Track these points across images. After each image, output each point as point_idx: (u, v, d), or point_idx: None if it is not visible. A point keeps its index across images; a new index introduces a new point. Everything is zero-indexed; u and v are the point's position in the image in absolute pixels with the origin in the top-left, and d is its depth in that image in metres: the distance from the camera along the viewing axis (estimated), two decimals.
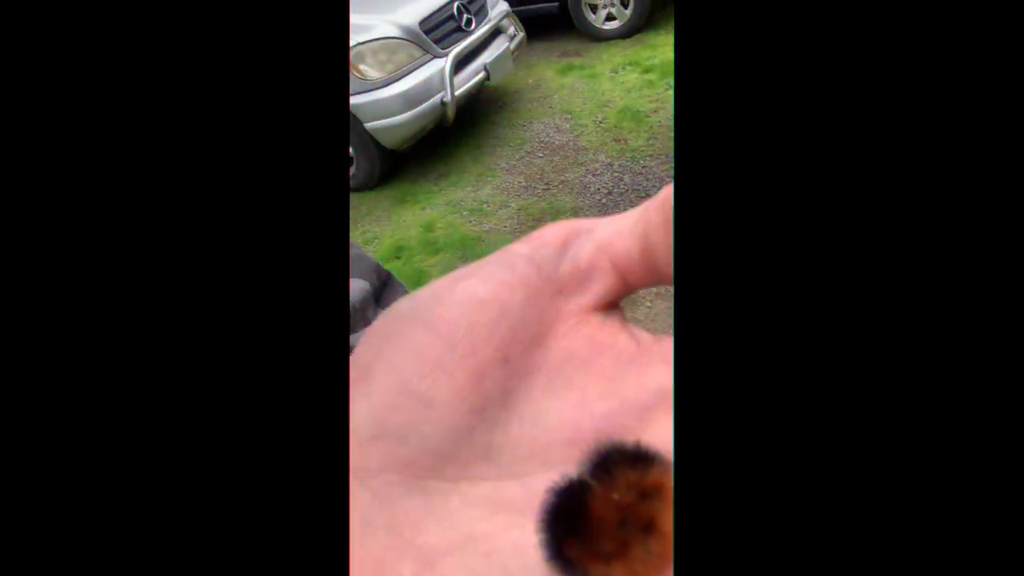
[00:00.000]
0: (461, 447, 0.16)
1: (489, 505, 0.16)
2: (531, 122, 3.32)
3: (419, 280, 2.39)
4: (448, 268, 2.53)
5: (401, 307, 0.17)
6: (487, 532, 0.15)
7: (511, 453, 0.16)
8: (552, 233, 0.18)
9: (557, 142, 3.11)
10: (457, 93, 2.92)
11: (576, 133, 3.15)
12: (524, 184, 2.89)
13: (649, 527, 0.15)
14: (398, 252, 2.58)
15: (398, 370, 0.16)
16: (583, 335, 0.17)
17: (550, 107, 3.40)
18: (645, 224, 0.17)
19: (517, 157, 3.09)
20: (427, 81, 2.85)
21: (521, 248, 0.18)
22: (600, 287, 0.17)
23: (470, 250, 2.58)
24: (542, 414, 0.16)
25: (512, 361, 0.16)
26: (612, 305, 0.18)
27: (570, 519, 0.15)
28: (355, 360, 0.16)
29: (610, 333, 0.17)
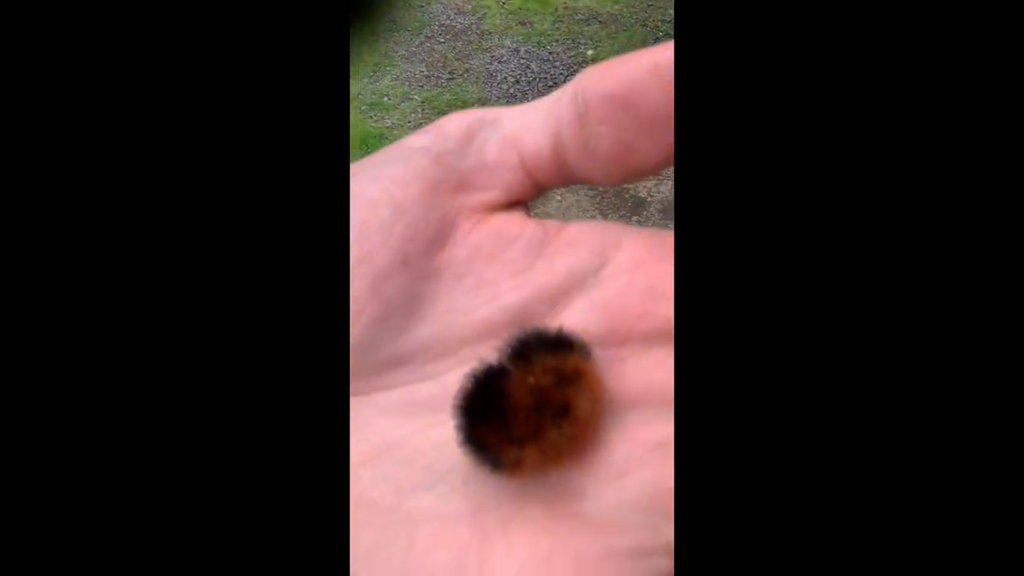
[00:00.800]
0: (365, 360, 0.15)
1: (404, 410, 0.15)
2: (429, 3, 3.09)
3: None
4: None
5: None
6: (404, 437, 0.15)
7: (423, 356, 0.16)
8: (454, 124, 0.17)
9: (459, 25, 2.92)
10: None
11: (479, 15, 2.97)
12: (426, 73, 2.73)
13: (564, 410, 0.15)
14: None
15: None
16: (488, 228, 0.16)
17: None
18: (556, 121, 0.16)
19: (416, 43, 2.89)
20: None
21: (418, 140, 0.16)
22: (506, 184, 0.16)
23: (373, 148, 2.44)
24: (452, 313, 0.16)
25: (413, 263, 0.15)
26: (517, 204, 0.17)
27: (484, 404, 0.15)
28: None
29: (517, 223, 0.16)
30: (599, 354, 0.15)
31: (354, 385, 0.15)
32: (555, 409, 0.15)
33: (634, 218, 1.95)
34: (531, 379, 0.15)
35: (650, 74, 0.15)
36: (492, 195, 0.16)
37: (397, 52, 2.83)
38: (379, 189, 0.16)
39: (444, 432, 0.15)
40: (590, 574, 0.13)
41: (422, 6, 3.03)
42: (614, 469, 0.14)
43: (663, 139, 0.15)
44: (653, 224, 1.90)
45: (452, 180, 0.16)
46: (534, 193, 0.17)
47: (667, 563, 0.13)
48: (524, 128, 0.16)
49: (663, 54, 0.14)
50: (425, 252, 0.16)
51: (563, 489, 0.14)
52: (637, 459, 0.14)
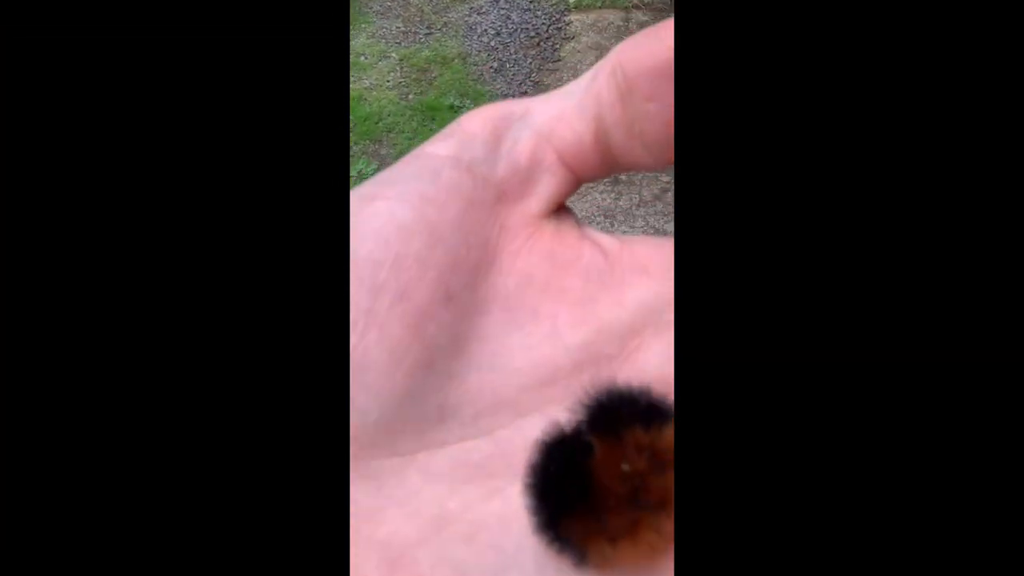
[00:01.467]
0: (410, 413, 0.13)
1: (457, 474, 0.13)
2: None
3: None
4: None
5: None
6: (461, 508, 0.13)
7: (473, 407, 0.14)
8: (478, 123, 0.14)
9: None
10: None
11: None
12: (403, 29, 2.63)
13: (664, 504, 0.12)
14: None
15: None
16: (539, 251, 0.14)
17: None
18: (595, 103, 0.14)
19: None
20: None
21: (442, 148, 0.14)
22: (547, 186, 0.14)
23: (353, 112, 2.37)
24: (505, 355, 0.14)
25: (456, 297, 0.14)
26: (561, 207, 0.15)
27: (566, 487, 0.12)
28: None
29: (571, 245, 0.14)
30: None
31: (398, 444, 0.13)
32: (655, 503, 0.12)
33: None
34: (625, 466, 0.13)
35: None
36: (534, 204, 0.14)
37: (371, 7, 2.72)
38: (411, 212, 0.13)
39: (507, 504, 0.13)
40: None
41: None
42: None
43: None
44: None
45: (488, 193, 0.14)
46: (575, 189, 0.15)
47: None
48: (557, 118, 0.14)
49: None
50: (469, 284, 0.14)
51: None
52: None
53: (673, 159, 0.14)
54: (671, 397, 0.13)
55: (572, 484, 0.12)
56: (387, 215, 0.13)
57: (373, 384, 0.13)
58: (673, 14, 0.13)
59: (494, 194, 0.14)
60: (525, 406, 0.13)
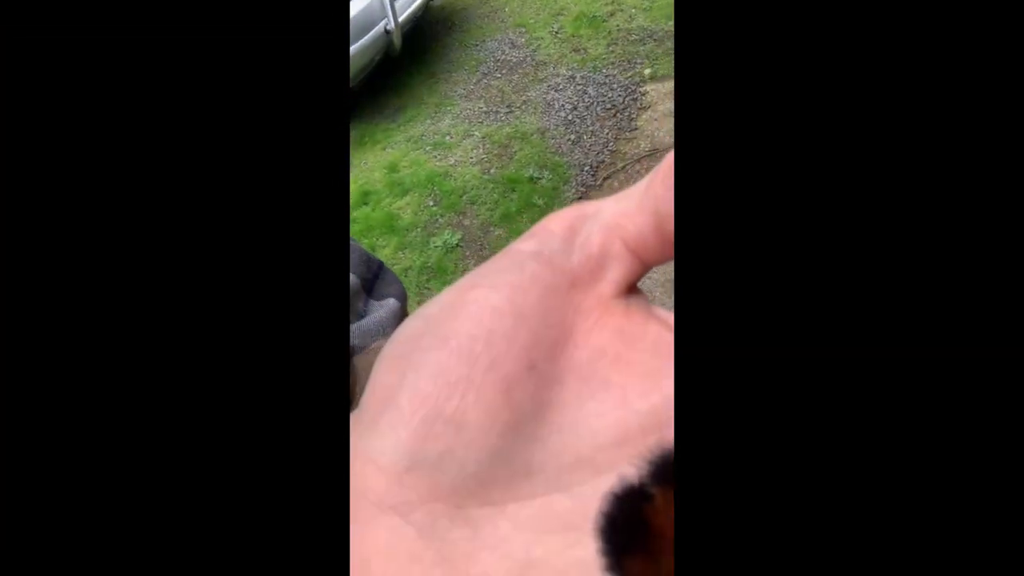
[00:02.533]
0: (501, 468, 0.15)
1: (542, 524, 0.15)
2: (484, 40, 3.16)
3: (391, 224, 2.31)
4: (418, 207, 2.47)
5: (412, 326, 0.16)
6: (545, 555, 0.15)
7: (556, 465, 0.15)
8: (556, 223, 0.17)
9: (514, 59, 2.97)
10: (400, 18, 2.78)
11: (533, 47, 3.01)
12: (485, 109, 2.77)
13: None
14: (365, 198, 2.47)
15: (422, 395, 0.15)
16: (610, 328, 0.16)
17: (502, 22, 3.23)
18: (654, 199, 0.16)
19: (474, 81, 2.95)
20: (367, 9, 2.69)
21: (526, 245, 0.17)
22: (616, 272, 0.16)
23: (439, 186, 2.49)
24: (582, 420, 0.15)
25: (539, 367, 0.15)
26: (631, 289, 0.17)
27: (630, 530, 0.14)
28: (373, 388, 0.16)
29: (638, 323, 0.16)
30: None
31: (491, 494, 0.15)
32: None
33: None
34: (672, 498, 0.14)
35: None
36: (605, 287, 0.16)
37: (456, 91, 2.89)
38: (501, 297, 0.16)
39: (585, 551, 0.14)
40: None
41: (477, 44, 3.10)
42: None
43: None
44: None
45: (565, 280, 0.16)
46: (642, 273, 0.17)
47: None
48: (622, 214, 0.17)
49: None
50: (549, 357, 0.16)
51: None
52: None
53: None
54: None
55: (632, 528, 0.14)
56: (483, 300, 0.16)
57: (472, 441, 0.15)
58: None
59: (570, 280, 0.16)
60: (601, 465, 0.15)
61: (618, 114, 2.59)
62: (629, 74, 2.74)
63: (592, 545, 0.14)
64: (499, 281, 0.16)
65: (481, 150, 2.57)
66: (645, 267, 0.17)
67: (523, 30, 3.14)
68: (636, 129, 2.50)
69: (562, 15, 3.14)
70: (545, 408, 0.15)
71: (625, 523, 0.14)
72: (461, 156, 2.58)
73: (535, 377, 0.15)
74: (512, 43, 3.10)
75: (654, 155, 2.34)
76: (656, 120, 2.51)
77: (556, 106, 2.68)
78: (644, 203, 0.16)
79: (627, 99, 2.61)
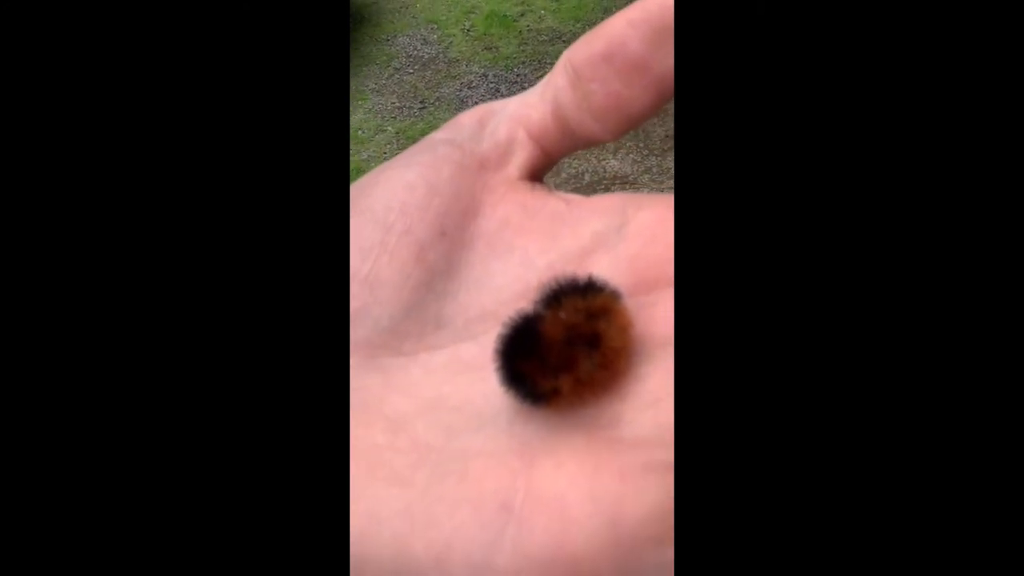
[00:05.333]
0: (413, 321, 0.17)
1: (451, 368, 0.16)
2: (395, 36, 3.14)
3: None
4: None
5: None
6: (453, 391, 0.16)
7: (464, 318, 0.17)
8: (467, 117, 0.19)
9: (426, 55, 2.97)
10: None
11: (445, 44, 3.02)
12: (398, 104, 2.76)
13: (594, 341, 0.15)
14: None
15: None
16: (515, 202, 0.18)
17: (413, 17, 3.22)
18: (553, 91, 0.18)
19: (386, 76, 2.93)
20: None
21: (439, 134, 0.18)
22: (521, 158, 0.18)
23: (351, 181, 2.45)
24: (487, 277, 0.17)
25: (449, 233, 0.17)
26: (536, 177, 0.19)
27: (521, 343, 0.16)
28: None
29: (540, 198, 0.18)
30: (630, 302, 0.16)
31: (403, 345, 0.17)
32: (586, 340, 0.15)
33: None
34: (562, 315, 0.16)
35: (626, 29, 0.17)
36: (510, 170, 0.18)
37: (367, 86, 2.86)
38: (414, 174, 0.18)
39: (489, 385, 0.16)
40: (633, 484, 0.14)
41: (388, 39, 3.07)
42: (649, 396, 0.15)
43: (645, 82, 0.17)
44: None
45: (475, 162, 0.18)
46: (546, 162, 0.19)
47: None
48: (525, 106, 0.19)
49: (635, 11, 0.17)
50: (459, 225, 0.17)
51: (602, 418, 0.15)
52: (669, 386, 0.15)
53: (618, 126, 0.18)
54: (610, 283, 0.16)
55: (524, 339, 0.16)
56: (397, 177, 0.18)
57: (385, 298, 0.17)
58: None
59: (479, 162, 0.18)
60: (503, 316, 0.16)
61: None
62: (540, 73, 2.80)
63: (496, 382, 0.15)
64: (412, 161, 0.18)
65: (395, 145, 2.55)
66: (549, 156, 0.19)
67: (435, 27, 3.15)
68: None
69: (473, 13, 3.17)
70: (455, 268, 0.17)
71: (517, 335, 0.16)
72: (375, 151, 2.55)
73: (446, 242, 0.17)
74: (424, 39, 3.09)
75: None
76: None
77: (469, 103, 2.71)
78: (544, 93, 0.18)
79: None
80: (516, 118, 0.18)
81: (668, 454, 0.14)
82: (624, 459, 0.14)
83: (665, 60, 0.17)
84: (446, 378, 0.16)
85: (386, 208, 0.17)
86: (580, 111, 0.17)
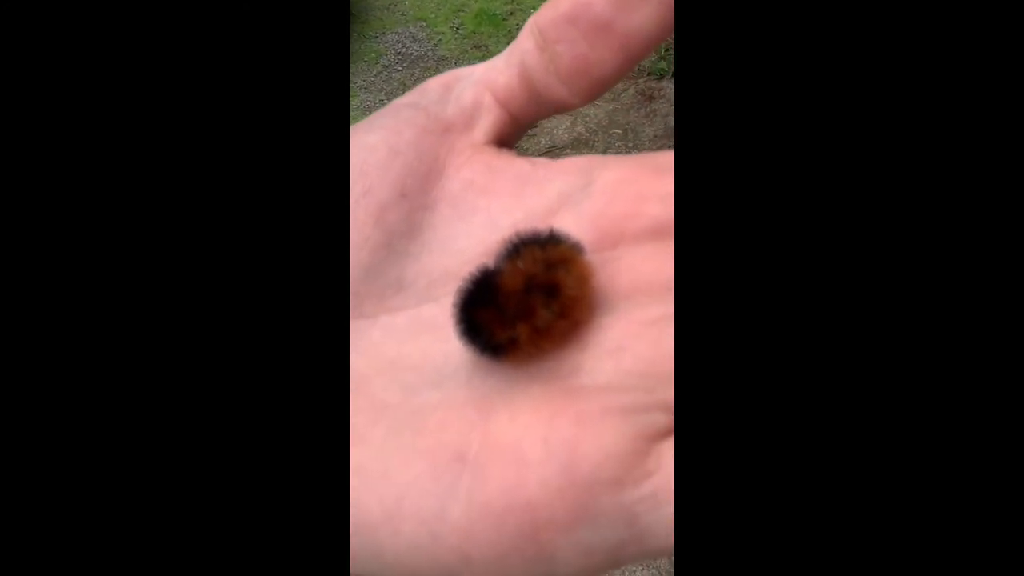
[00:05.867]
0: (373, 283, 0.17)
1: (411, 329, 0.16)
2: (384, 33, 3.13)
3: None
4: None
5: None
6: (413, 350, 0.16)
7: (426, 280, 0.17)
8: (433, 82, 0.19)
9: (415, 53, 2.96)
10: None
11: (434, 42, 3.01)
12: (386, 102, 2.73)
13: (553, 290, 0.15)
14: None
15: None
16: (480, 163, 0.18)
17: (402, 15, 3.20)
18: (519, 54, 0.18)
19: (374, 73, 2.92)
20: None
21: (404, 99, 0.18)
22: (487, 122, 0.18)
23: None
24: (450, 239, 0.17)
25: (410, 195, 0.17)
26: (505, 144, 0.18)
27: (479, 294, 0.15)
28: None
29: (505, 159, 0.18)
30: (593, 258, 0.16)
31: (363, 307, 0.16)
32: (544, 289, 0.15)
33: None
34: (520, 264, 0.15)
35: None
36: (476, 134, 0.18)
37: (356, 83, 2.85)
38: (376, 136, 0.17)
39: (450, 344, 0.15)
40: (590, 429, 0.13)
41: (376, 36, 3.06)
42: (611, 345, 0.15)
43: (610, 43, 0.17)
44: None
45: (439, 125, 0.18)
46: (513, 128, 0.19)
47: (666, 419, 0.13)
48: (492, 70, 0.18)
49: None
50: (421, 187, 0.17)
51: (562, 369, 0.15)
52: (633, 335, 0.15)
53: (586, 90, 0.17)
54: (573, 235, 0.16)
55: (481, 290, 0.16)
56: (358, 140, 0.17)
57: None
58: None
59: (444, 126, 0.18)
60: (466, 275, 0.16)
61: None
62: None
63: (455, 338, 0.15)
64: (375, 124, 0.18)
65: None
66: (516, 121, 0.19)
67: (424, 24, 3.14)
68: (536, 126, 2.55)
69: (463, 11, 3.16)
70: (416, 230, 0.17)
71: (476, 287, 0.16)
72: None
73: (407, 203, 0.17)
74: (413, 37, 3.08)
75: (552, 151, 2.41)
76: (554, 118, 2.58)
77: None
78: (511, 57, 0.18)
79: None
80: (482, 82, 0.18)
81: (628, 398, 0.14)
82: (581, 405, 0.14)
83: (629, 21, 0.16)
84: (406, 339, 0.16)
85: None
86: (547, 74, 0.17)
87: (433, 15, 3.10)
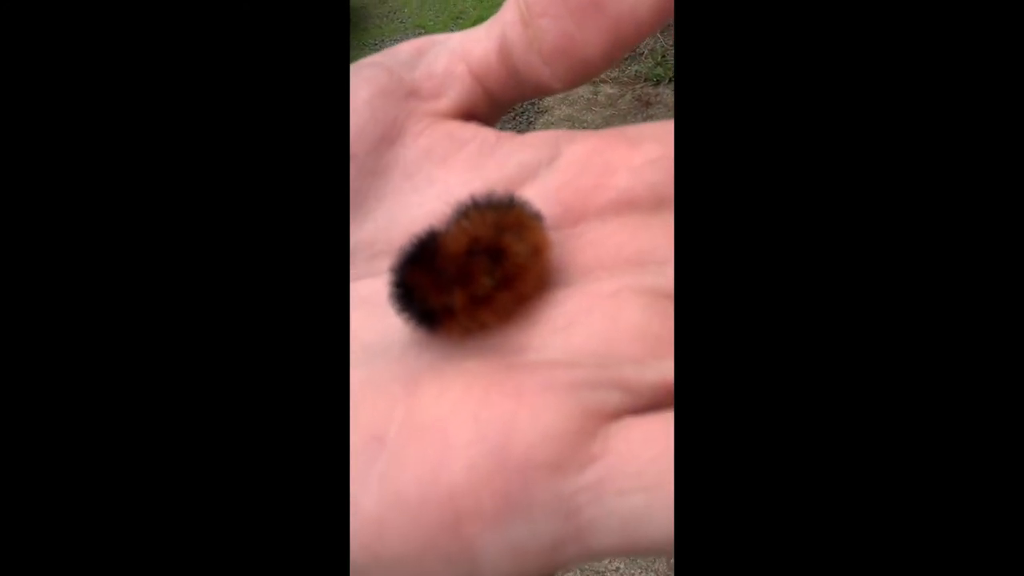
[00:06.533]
0: None
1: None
2: (383, 41, 3.15)
3: None
4: None
5: None
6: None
7: (369, 251, 0.15)
8: (406, 45, 0.17)
9: None
10: None
11: None
12: None
13: (498, 256, 0.13)
14: None
15: None
16: (440, 132, 0.16)
17: (401, 23, 3.22)
18: (500, 26, 0.16)
19: None
20: None
21: (370, 58, 0.17)
22: (457, 92, 0.17)
23: None
24: (401, 210, 0.15)
25: (358, 159, 0.15)
26: (474, 119, 0.17)
27: (417, 255, 0.14)
28: None
29: (470, 130, 0.16)
30: (556, 234, 0.15)
31: None
32: (489, 254, 0.13)
33: None
34: (465, 224, 0.14)
35: None
36: (442, 103, 0.16)
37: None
38: None
39: (386, 323, 0.14)
40: (529, 403, 0.11)
41: (376, 44, 3.07)
42: (563, 320, 0.13)
43: (599, 24, 0.15)
44: None
45: (401, 89, 0.16)
46: (487, 105, 0.17)
47: (620, 398, 0.12)
48: (470, 39, 0.17)
49: None
50: (372, 151, 0.16)
51: (506, 345, 0.13)
52: (587, 308, 0.13)
53: (569, 73, 0.16)
54: (532, 203, 0.14)
55: (421, 252, 0.14)
56: None
57: None
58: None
59: (408, 89, 0.16)
60: None
61: (517, 117, 2.65)
62: None
63: (394, 318, 0.14)
64: None
65: None
66: (490, 97, 0.17)
67: (423, 31, 3.16)
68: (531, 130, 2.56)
69: (461, 19, 3.19)
70: (363, 198, 0.15)
71: (416, 249, 0.14)
72: None
73: (354, 167, 0.15)
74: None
75: None
76: (552, 124, 2.59)
77: None
78: (491, 29, 0.16)
79: (525, 103, 2.68)
80: (458, 51, 0.17)
81: (575, 373, 0.12)
82: (520, 379, 0.12)
83: (622, 2, 0.15)
84: None
85: None
86: (528, 51, 0.16)
87: (432, 22, 3.11)
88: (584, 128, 2.38)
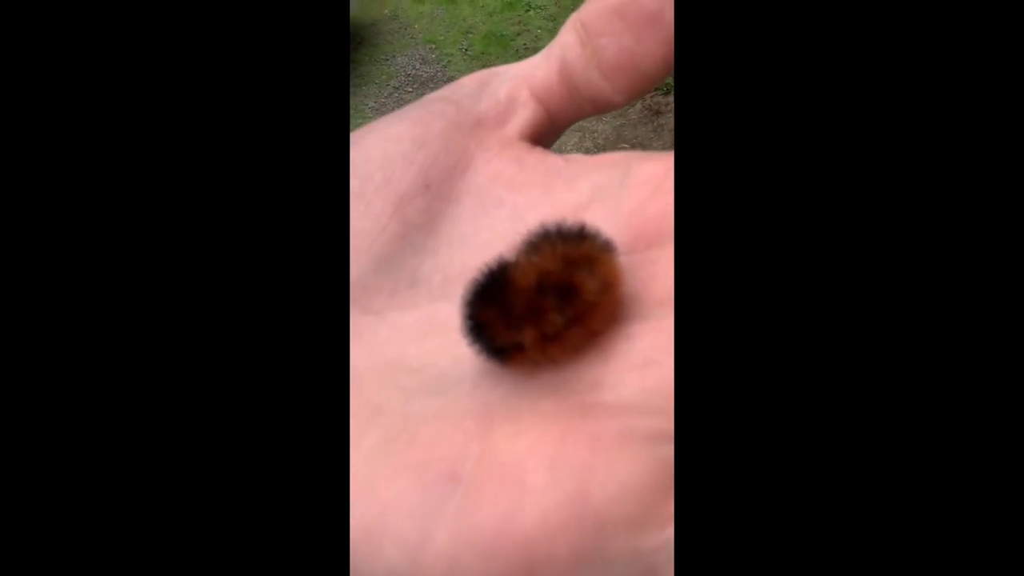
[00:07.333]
0: (386, 276, 0.15)
1: (420, 330, 0.15)
2: (394, 55, 3.18)
3: None
4: None
5: None
6: (418, 352, 0.15)
7: (442, 276, 0.16)
8: (469, 78, 0.18)
9: (425, 75, 3.00)
10: None
11: (443, 63, 3.06)
12: None
13: (568, 293, 0.13)
14: None
15: None
16: (509, 158, 0.16)
17: (411, 38, 3.26)
18: (560, 48, 0.17)
19: (385, 95, 2.96)
20: None
21: (436, 93, 0.17)
22: (522, 117, 0.17)
23: None
24: (471, 234, 0.16)
25: (434, 187, 0.16)
26: (539, 143, 0.17)
27: (487, 289, 0.14)
28: None
29: (537, 155, 0.17)
30: (628, 259, 0.14)
31: (372, 302, 0.15)
32: (558, 290, 0.13)
33: None
34: (535, 259, 0.14)
35: None
36: (509, 129, 0.17)
37: (367, 104, 2.89)
38: (401, 127, 0.16)
39: (461, 349, 0.14)
40: (605, 454, 0.11)
41: (387, 59, 3.11)
42: (639, 357, 0.13)
43: (658, 36, 0.16)
44: None
45: (470, 119, 0.17)
46: (550, 127, 0.18)
47: None
48: (530, 65, 0.17)
49: None
50: (446, 179, 0.16)
51: (581, 382, 0.13)
52: (664, 348, 0.13)
53: (630, 86, 0.16)
54: (603, 233, 0.14)
55: (491, 285, 0.14)
56: (382, 129, 0.16)
57: (355, 247, 0.15)
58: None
59: (475, 119, 0.17)
60: None
61: None
62: None
63: (466, 343, 0.14)
64: (404, 116, 0.17)
65: None
66: (552, 119, 0.17)
67: (433, 46, 3.19)
68: None
69: (471, 33, 3.22)
70: (436, 222, 0.16)
71: (487, 280, 0.14)
72: None
73: (429, 195, 0.16)
74: (423, 59, 3.13)
75: None
76: (562, 134, 2.60)
77: None
78: (551, 53, 0.17)
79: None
80: (519, 77, 0.17)
81: (653, 422, 0.12)
82: (597, 425, 0.12)
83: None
84: (413, 339, 0.15)
85: (367, 158, 0.16)
86: (588, 69, 0.16)
87: (442, 37, 3.15)
88: (595, 136, 2.38)
